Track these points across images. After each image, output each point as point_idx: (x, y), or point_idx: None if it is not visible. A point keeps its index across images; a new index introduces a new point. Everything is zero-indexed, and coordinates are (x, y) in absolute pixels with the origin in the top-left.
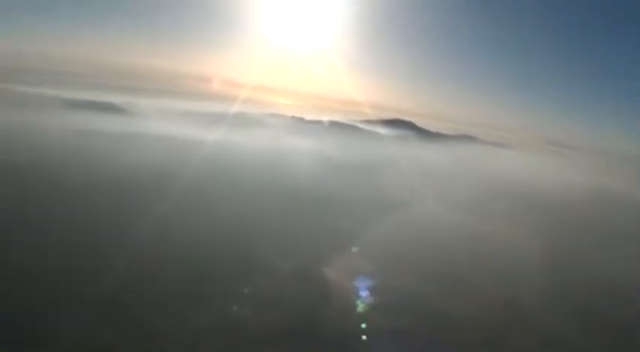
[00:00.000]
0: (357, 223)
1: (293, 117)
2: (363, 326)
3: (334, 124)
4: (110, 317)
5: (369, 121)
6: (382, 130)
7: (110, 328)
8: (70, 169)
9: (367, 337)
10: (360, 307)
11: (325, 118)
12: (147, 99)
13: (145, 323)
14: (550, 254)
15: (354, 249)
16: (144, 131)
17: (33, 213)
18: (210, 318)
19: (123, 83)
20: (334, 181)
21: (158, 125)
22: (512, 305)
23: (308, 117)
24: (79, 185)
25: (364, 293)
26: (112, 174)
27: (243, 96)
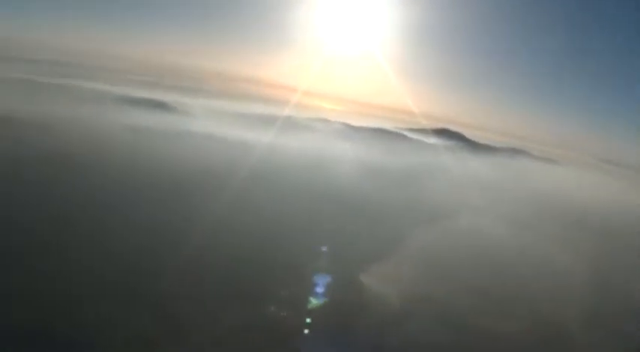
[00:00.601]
0: (400, 232)
1: (341, 123)
2: (398, 336)
3: (381, 131)
4: (155, 314)
5: (416, 130)
6: (430, 139)
7: (154, 325)
8: (120, 164)
9: (400, 348)
10: (396, 317)
11: (373, 125)
12: (197, 99)
13: (186, 319)
14: (598, 275)
15: (395, 258)
16: (193, 130)
17: (81, 206)
18: (246, 318)
19: (175, 82)
20: (379, 189)
21: (208, 125)
22: (554, 325)
23: (355, 123)
24: (130, 180)
25: (400, 303)
26: (160, 171)
27: (292, 100)
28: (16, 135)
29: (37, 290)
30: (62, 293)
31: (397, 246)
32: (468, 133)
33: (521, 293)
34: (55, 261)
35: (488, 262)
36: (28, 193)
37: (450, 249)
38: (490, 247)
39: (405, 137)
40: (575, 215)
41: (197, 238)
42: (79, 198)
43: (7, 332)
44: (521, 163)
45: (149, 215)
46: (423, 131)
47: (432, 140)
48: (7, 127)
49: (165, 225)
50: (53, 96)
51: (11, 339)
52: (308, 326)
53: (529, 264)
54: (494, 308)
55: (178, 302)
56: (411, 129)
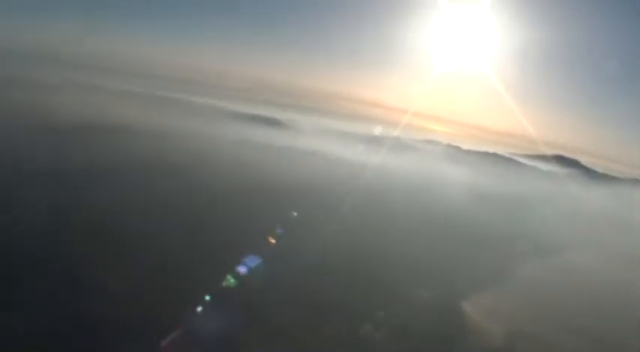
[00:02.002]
0: (509, 262)
1: (449, 146)
2: None
3: (492, 156)
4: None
5: (528, 156)
6: (543, 166)
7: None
8: (230, 177)
9: None
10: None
11: (483, 149)
12: (309, 118)
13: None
14: None
15: (501, 289)
16: (304, 147)
17: (191, 218)
18: (340, 335)
19: (284, 100)
20: (486, 215)
21: (317, 143)
22: None
23: (465, 146)
24: (235, 194)
25: (502, 338)
26: (267, 186)
27: (401, 121)
28: (130, 144)
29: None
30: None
31: (504, 277)
32: (585, 161)
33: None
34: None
35: (602, 301)
36: (141, 200)
37: (560, 284)
38: (605, 285)
39: (516, 162)
40: None
41: (298, 254)
42: (187, 207)
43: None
44: None
45: (254, 226)
46: (536, 156)
47: (546, 167)
48: (122, 137)
49: (268, 239)
50: (170, 110)
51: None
52: (400, 349)
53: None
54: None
55: (278, 313)
56: (523, 155)
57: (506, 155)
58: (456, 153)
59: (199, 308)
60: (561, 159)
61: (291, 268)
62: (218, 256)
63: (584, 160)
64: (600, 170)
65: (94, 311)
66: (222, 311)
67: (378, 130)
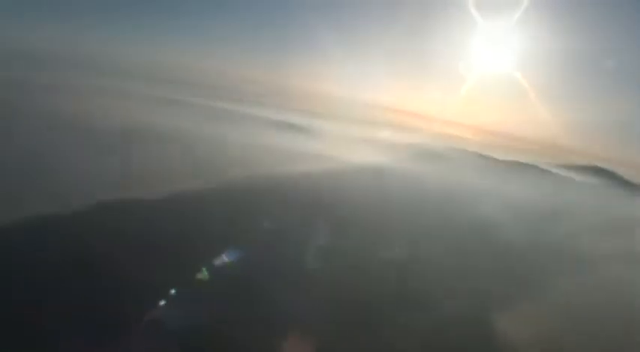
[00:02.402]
0: (541, 274)
1: (479, 154)
2: None
3: (523, 165)
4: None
5: (562, 165)
6: (576, 177)
7: None
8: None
9: None
10: None
11: (514, 158)
12: (337, 125)
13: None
14: None
15: (533, 305)
16: (330, 155)
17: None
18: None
19: (309, 107)
20: (515, 226)
21: (343, 151)
22: None
23: (495, 155)
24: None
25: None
26: (289, 190)
27: (428, 128)
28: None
29: None
30: None
31: (537, 291)
32: (621, 172)
33: None
34: None
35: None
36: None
37: (597, 300)
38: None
39: (547, 172)
40: None
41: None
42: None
43: None
44: None
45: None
46: (570, 166)
47: (580, 177)
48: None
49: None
50: (194, 116)
51: None
52: None
53: None
54: None
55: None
56: (557, 165)
57: (540, 165)
58: (485, 162)
59: None
60: (596, 170)
61: (321, 278)
62: None
63: (620, 171)
64: (638, 181)
65: None
66: None
67: (407, 138)
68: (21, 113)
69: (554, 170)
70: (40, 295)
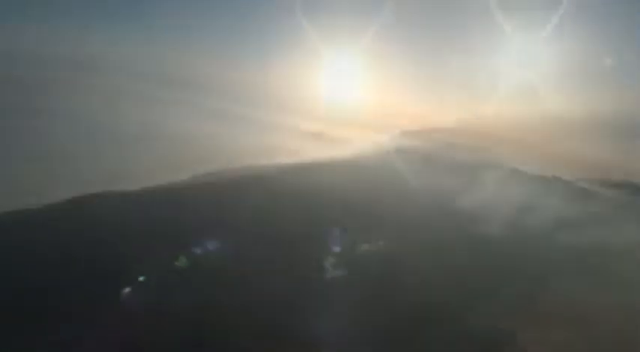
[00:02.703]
0: (577, 295)
1: (512, 170)
2: None
3: (557, 181)
4: None
5: (597, 181)
6: (610, 193)
7: None
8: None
9: None
10: None
11: (549, 174)
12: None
13: None
14: None
15: (566, 325)
16: (359, 164)
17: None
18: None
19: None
20: (553, 246)
21: (371, 159)
22: None
23: (530, 170)
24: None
25: None
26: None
27: (459, 142)
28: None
29: None
30: None
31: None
32: None
33: None
34: None
35: None
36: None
37: (628, 324)
38: None
39: (582, 189)
40: None
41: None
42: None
43: None
44: None
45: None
46: (604, 183)
47: (616, 194)
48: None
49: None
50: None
51: None
52: None
53: None
54: None
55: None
56: (590, 181)
57: (572, 180)
58: (520, 177)
59: None
60: (631, 187)
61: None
62: None
63: None
64: None
65: None
66: None
67: (436, 151)
68: (19, 110)
69: (589, 186)
70: (27, 284)
